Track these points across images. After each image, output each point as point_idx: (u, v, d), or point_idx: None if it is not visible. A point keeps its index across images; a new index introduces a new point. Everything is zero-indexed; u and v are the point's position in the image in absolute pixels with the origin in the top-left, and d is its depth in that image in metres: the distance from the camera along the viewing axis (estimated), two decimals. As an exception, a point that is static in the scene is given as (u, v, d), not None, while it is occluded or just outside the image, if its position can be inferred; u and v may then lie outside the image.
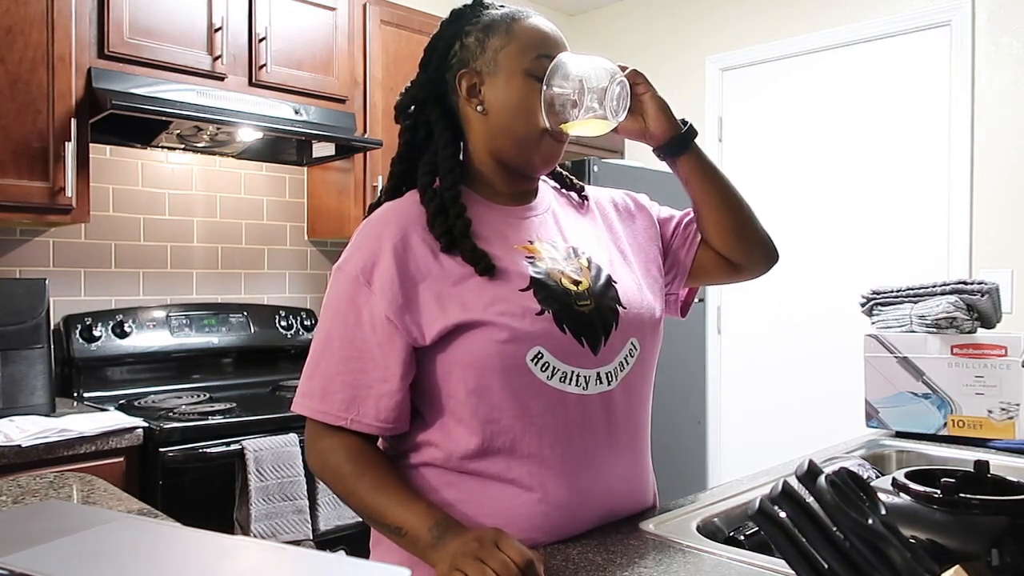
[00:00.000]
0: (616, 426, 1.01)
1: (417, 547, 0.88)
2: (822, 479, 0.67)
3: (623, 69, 1.02)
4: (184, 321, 2.52)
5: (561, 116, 0.99)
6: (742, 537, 1.05)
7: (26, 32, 2.00)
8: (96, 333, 2.33)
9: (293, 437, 2.09)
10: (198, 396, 2.39)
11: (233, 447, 2.01)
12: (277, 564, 0.81)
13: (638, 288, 1.07)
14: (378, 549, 1.03)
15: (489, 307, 0.93)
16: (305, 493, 2.07)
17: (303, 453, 2.02)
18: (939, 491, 0.80)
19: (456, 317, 0.93)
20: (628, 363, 1.02)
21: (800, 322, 3.24)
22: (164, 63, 2.22)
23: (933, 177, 2.89)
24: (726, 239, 1.13)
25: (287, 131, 2.38)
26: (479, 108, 1.02)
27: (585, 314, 0.98)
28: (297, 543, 2.02)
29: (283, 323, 2.74)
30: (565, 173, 1.17)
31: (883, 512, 0.67)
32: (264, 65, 2.41)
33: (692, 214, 1.18)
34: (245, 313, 2.67)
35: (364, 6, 2.70)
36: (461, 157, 1.06)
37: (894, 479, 0.86)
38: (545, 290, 0.97)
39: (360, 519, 0.97)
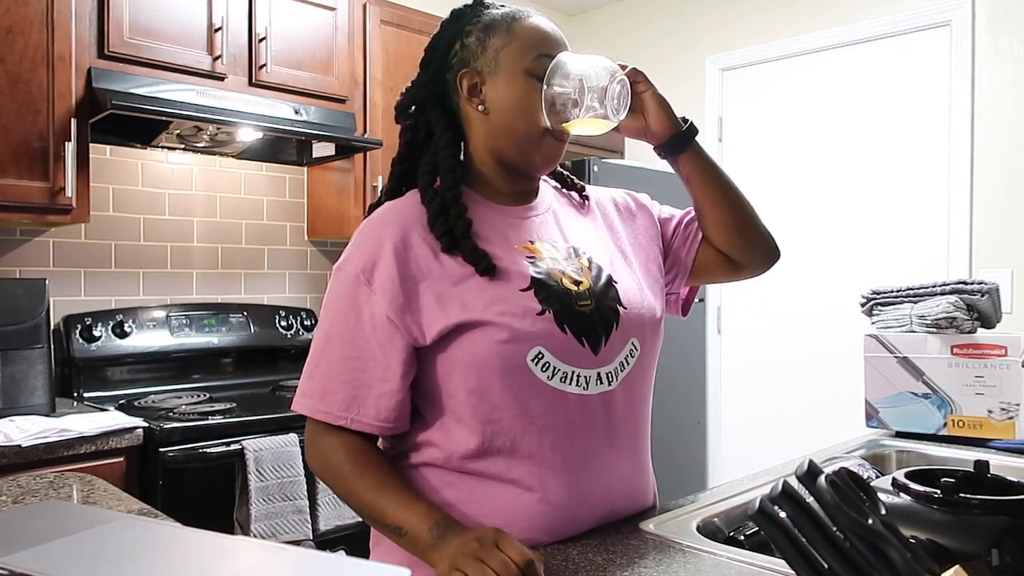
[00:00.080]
0: (616, 426, 1.01)
1: (417, 547, 0.88)
2: (822, 479, 0.67)
3: (623, 68, 1.02)
4: (184, 321, 2.52)
5: (562, 115, 0.99)
6: (742, 537, 1.05)
7: (26, 32, 2.00)
8: (96, 333, 2.33)
9: (293, 437, 2.09)
10: (198, 396, 2.39)
11: (233, 447, 2.01)
12: (277, 564, 0.81)
13: (639, 288, 1.07)
14: (378, 549, 1.03)
15: (490, 307, 0.93)
16: (305, 493, 2.07)
17: (303, 453, 2.02)
18: (939, 491, 0.80)
19: (456, 317, 0.93)
20: (629, 363, 1.02)
21: (800, 322, 3.24)
22: (164, 63, 2.22)
23: (933, 177, 2.89)
24: (728, 237, 1.13)
25: (287, 131, 2.38)
26: (480, 108, 1.02)
27: (586, 314, 0.98)
28: (297, 543, 2.02)
29: (283, 323, 2.74)
30: (566, 173, 1.17)
31: (883, 512, 0.67)
32: (264, 65, 2.41)
33: (693, 213, 1.18)
34: (245, 313, 2.67)
35: (364, 6, 2.70)
36: (462, 157, 1.06)
37: (894, 479, 0.86)
38: (546, 290, 0.97)
39: (360, 519, 0.97)
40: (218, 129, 2.39)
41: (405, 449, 1.01)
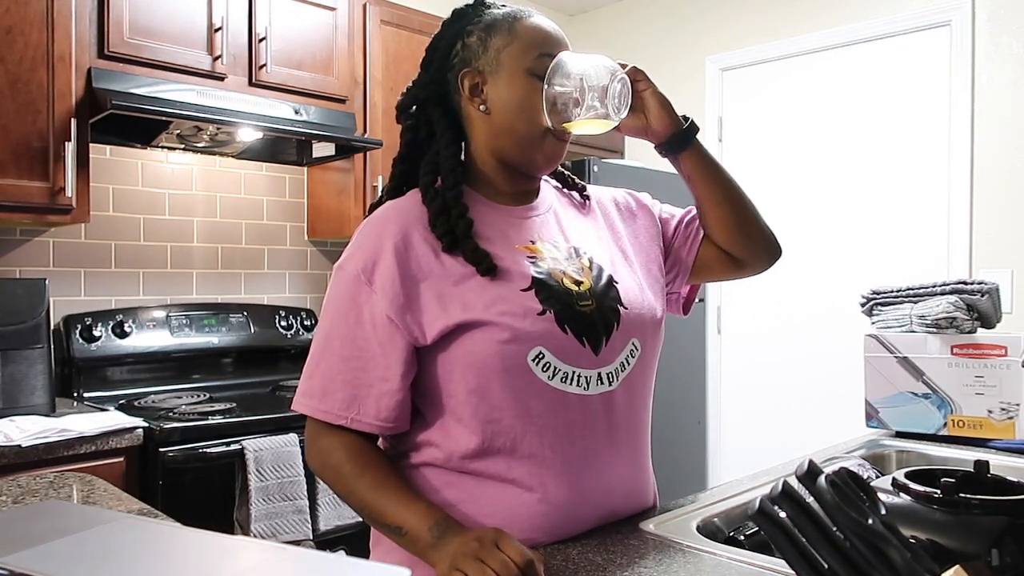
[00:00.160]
0: (617, 426, 1.01)
1: (417, 547, 0.88)
2: (822, 479, 0.67)
3: (623, 67, 1.02)
4: (184, 321, 2.52)
5: (563, 115, 0.99)
6: (742, 537, 1.05)
7: (26, 32, 2.00)
8: (96, 333, 2.33)
9: (293, 437, 2.09)
10: (198, 396, 2.39)
11: (233, 447, 2.01)
12: (277, 564, 0.81)
13: (639, 288, 1.07)
14: (378, 549, 1.03)
15: (490, 307, 0.93)
16: (305, 493, 2.07)
17: (303, 453, 2.02)
18: (939, 491, 0.80)
19: (457, 317, 0.93)
20: (629, 363, 1.02)
21: (800, 322, 3.24)
22: (164, 63, 2.22)
23: (933, 177, 2.89)
24: (729, 235, 1.13)
25: (287, 131, 2.38)
26: (481, 107, 1.02)
27: (586, 314, 0.98)
28: (297, 543, 2.02)
29: (283, 323, 2.74)
30: (567, 173, 1.17)
31: (883, 512, 0.67)
32: (264, 65, 2.41)
33: (693, 212, 1.18)
34: (245, 313, 2.67)
35: (364, 6, 2.70)
36: (463, 157, 1.06)
37: (894, 479, 0.86)
38: (547, 290, 0.97)
39: (360, 519, 0.97)
40: (218, 129, 2.39)
41: (405, 449, 1.01)
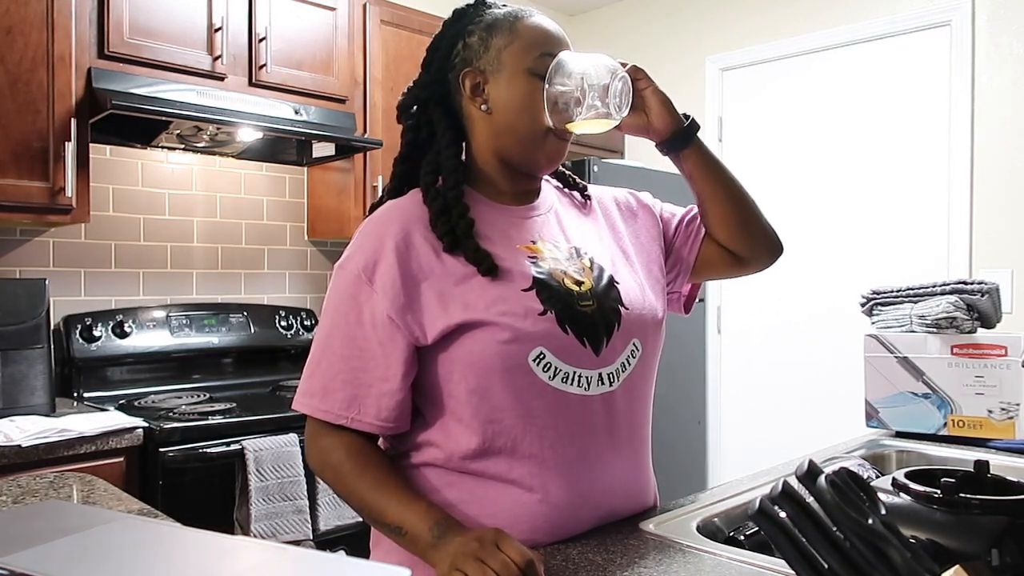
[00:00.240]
0: (617, 427, 1.01)
1: (417, 547, 0.88)
2: (822, 479, 0.67)
3: (623, 65, 1.02)
4: (184, 321, 2.52)
5: (564, 115, 0.99)
6: (742, 537, 1.05)
7: (26, 32, 2.00)
8: (96, 333, 2.33)
9: (293, 437, 2.09)
10: (198, 396, 2.39)
11: (233, 447, 2.01)
12: (277, 564, 0.81)
13: (640, 289, 1.07)
14: (378, 549, 1.03)
15: (491, 307, 0.93)
16: (305, 493, 2.07)
17: (303, 453, 2.02)
18: (939, 491, 0.80)
19: (458, 317, 0.93)
20: (630, 364, 1.02)
21: (800, 322, 3.24)
22: (164, 63, 2.22)
23: (933, 177, 2.89)
24: (731, 232, 1.13)
25: (287, 131, 2.38)
26: (483, 107, 1.02)
27: (587, 315, 0.98)
28: (297, 543, 2.02)
29: (283, 323, 2.74)
30: (568, 173, 1.17)
31: (883, 512, 0.67)
32: (264, 65, 2.41)
33: (694, 211, 1.18)
34: (245, 313, 2.67)
35: (364, 6, 2.70)
36: (463, 157, 1.06)
37: (894, 479, 0.86)
38: (547, 290, 0.97)
39: (360, 519, 0.97)
40: (218, 129, 2.39)
41: (406, 449, 1.01)
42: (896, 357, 1.66)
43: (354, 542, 2.16)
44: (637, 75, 1.04)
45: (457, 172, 1.01)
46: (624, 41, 3.78)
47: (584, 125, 1.00)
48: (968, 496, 0.79)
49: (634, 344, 1.02)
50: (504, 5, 1.05)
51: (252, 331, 2.65)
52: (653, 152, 1.11)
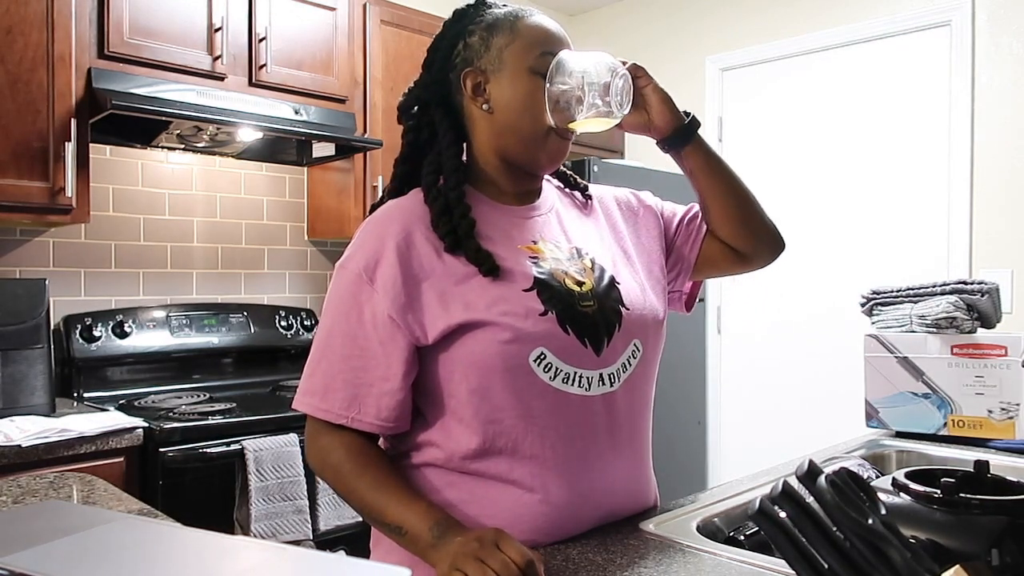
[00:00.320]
0: (618, 427, 1.01)
1: (417, 547, 0.88)
2: (822, 479, 0.67)
3: (623, 63, 1.02)
4: (184, 321, 2.52)
5: (566, 113, 0.99)
6: (742, 537, 1.05)
7: (26, 32, 2.00)
8: (96, 333, 2.33)
9: (293, 437, 2.09)
10: (198, 396, 2.39)
11: (233, 447, 2.01)
12: (277, 564, 0.81)
13: (641, 289, 1.07)
14: (378, 549, 1.03)
15: (492, 307, 0.93)
16: (305, 493, 2.07)
17: (303, 453, 2.02)
18: (939, 491, 0.80)
19: (459, 317, 0.93)
20: (631, 364, 1.02)
21: (800, 322, 3.24)
22: (164, 63, 2.22)
23: (933, 177, 2.89)
24: (733, 229, 1.13)
25: (287, 131, 2.38)
26: (484, 107, 1.02)
27: (588, 315, 0.98)
28: (297, 543, 2.02)
29: (283, 323, 2.74)
30: (569, 172, 1.17)
31: (883, 512, 0.67)
32: (264, 65, 2.41)
33: (695, 209, 1.18)
34: (245, 313, 2.67)
35: (364, 6, 2.70)
36: (464, 157, 1.06)
37: (894, 479, 0.86)
38: (549, 291, 0.97)
39: (360, 519, 0.97)
40: (218, 129, 2.39)
41: (406, 449, 1.01)
42: (896, 357, 1.66)
43: (354, 542, 2.16)
44: (637, 73, 1.05)
45: (458, 172, 1.01)
46: (624, 41, 3.78)
47: (586, 124, 1.00)
48: (968, 496, 0.79)
49: (635, 345, 1.02)
50: (504, 5, 1.05)
51: (252, 331, 2.65)
52: (653, 152, 1.11)
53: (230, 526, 2.03)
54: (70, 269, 2.41)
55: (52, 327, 2.17)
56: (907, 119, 2.95)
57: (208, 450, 1.98)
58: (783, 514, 0.65)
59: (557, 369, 0.95)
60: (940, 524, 0.78)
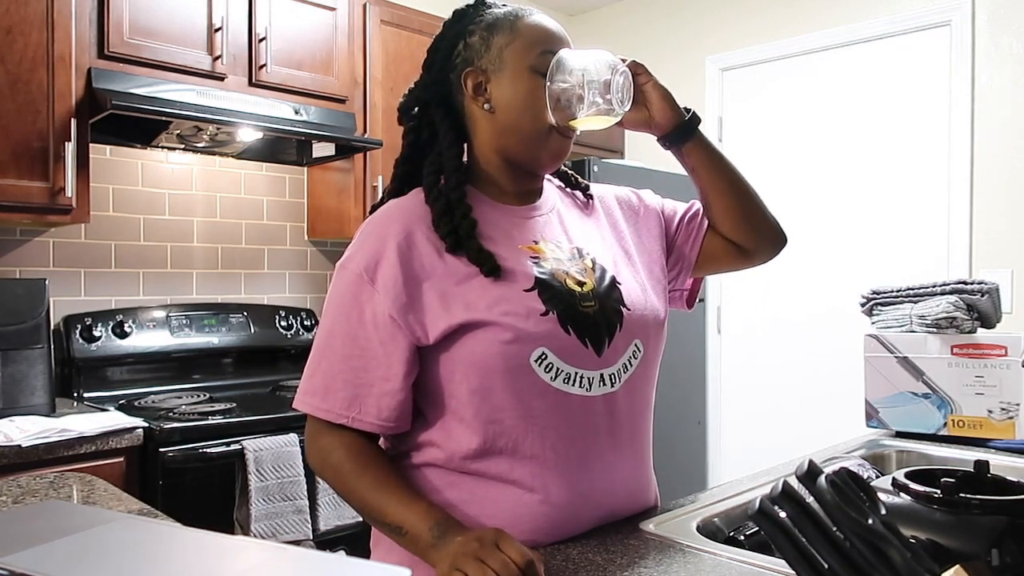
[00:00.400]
0: (619, 427, 1.01)
1: (417, 546, 0.88)
2: (822, 479, 0.67)
3: (623, 61, 1.02)
4: (184, 321, 2.52)
5: (567, 111, 0.99)
6: (742, 537, 1.05)
7: (26, 32, 2.00)
8: (96, 333, 2.33)
9: (293, 437, 2.09)
10: (198, 396, 2.39)
11: (233, 447, 2.01)
12: (277, 564, 0.81)
13: (642, 290, 1.07)
14: (378, 549, 1.03)
15: (493, 307, 0.93)
16: (305, 493, 2.07)
17: (303, 453, 2.02)
18: (939, 491, 0.80)
19: (460, 317, 0.93)
20: (632, 365, 1.02)
21: (800, 322, 3.24)
22: (164, 63, 2.22)
23: (933, 177, 2.89)
24: (735, 224, 1.13)
25: (287, 131, 2.38)
26: (485, 106, 1.02)
27: (589, 315, 0.98)
28: (297, 543, 2.02)
29: (283, 323, 2.74)
30: (570, 172, 1.17)
31: (883, 512, 0.67)
32: (264, 65, 2.41)
33: (696, 207, 1.18)
34: (245, 313, 2.67)
35: (364, 6, 2.70)
36: (465, 157, 1.06)
37: (894, 479, 0.86)
38: (550, 291, 0.97)
39: (360, 519, 0.97)
40: (218, 129, 2.39)
41: (407, 449, 1.01)
42: (896, 357, 1.66)
43: (354, 542, 2.16)
44: (637, 70, 1.05)
45: (459, 172, 1.01)
46: (624, 41, 3.78)
47: (587, 122, 1.00)
48: (968, 496, 0.79)
49: (636, 345, 1.02)
50: (504, 5, 1.05)
51: (252, 331, 2.65)
52: (653, 152, 1.11)
53: (230, 526, 2.03)
54: (70, 269, 2.41)
55: (52, 327, 2.17)
56: (907, 119, 2.95)
57: (208, 450, 1.98)
58: (783, 514, 0.65)
59: (558, 369, 0.95)
60: (940, 524, 0.78)
